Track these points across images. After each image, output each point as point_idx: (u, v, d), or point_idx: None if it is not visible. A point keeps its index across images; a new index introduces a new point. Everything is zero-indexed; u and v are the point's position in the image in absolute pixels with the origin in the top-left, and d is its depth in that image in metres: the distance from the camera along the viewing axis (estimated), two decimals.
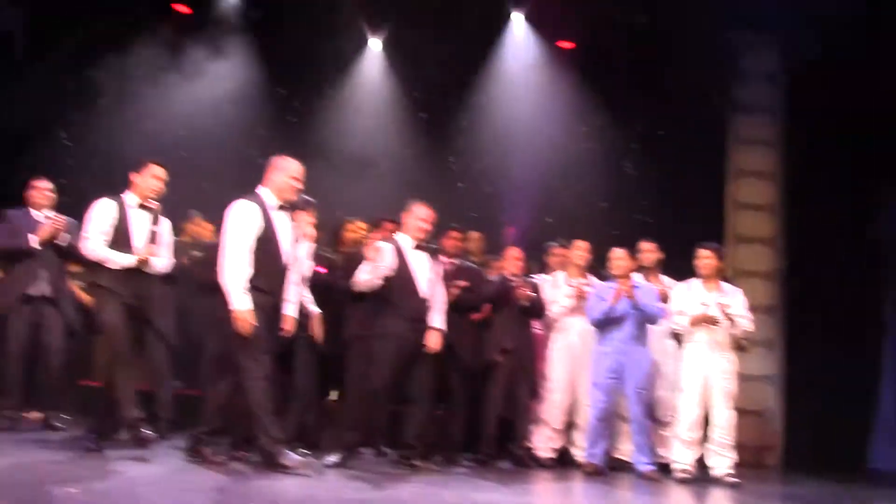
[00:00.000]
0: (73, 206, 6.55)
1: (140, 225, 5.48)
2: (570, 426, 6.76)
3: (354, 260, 6.60)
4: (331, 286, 6.66)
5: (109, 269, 5.32)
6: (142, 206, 5.51)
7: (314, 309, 5.92)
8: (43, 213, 6.45)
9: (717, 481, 6.22)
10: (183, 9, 9.19)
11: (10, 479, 4.11)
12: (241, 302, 4.90)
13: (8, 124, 8.12)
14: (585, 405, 6.64)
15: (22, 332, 6.29)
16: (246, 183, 8.46)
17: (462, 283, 6.45)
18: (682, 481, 6.17)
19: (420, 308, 5.82)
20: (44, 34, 8.49)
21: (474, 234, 8.00)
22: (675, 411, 6.49)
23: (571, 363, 6.71)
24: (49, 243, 6.34)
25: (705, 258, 6.52)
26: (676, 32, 8.49)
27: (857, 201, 7.88)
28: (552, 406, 6.66)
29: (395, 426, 6.66)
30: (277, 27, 9.08)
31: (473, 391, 6.62)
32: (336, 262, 6.89)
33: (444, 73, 9.12)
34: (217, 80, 9.09)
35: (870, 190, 7.95)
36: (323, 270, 6.65)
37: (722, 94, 8.77)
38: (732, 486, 6.10)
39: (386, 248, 5.82)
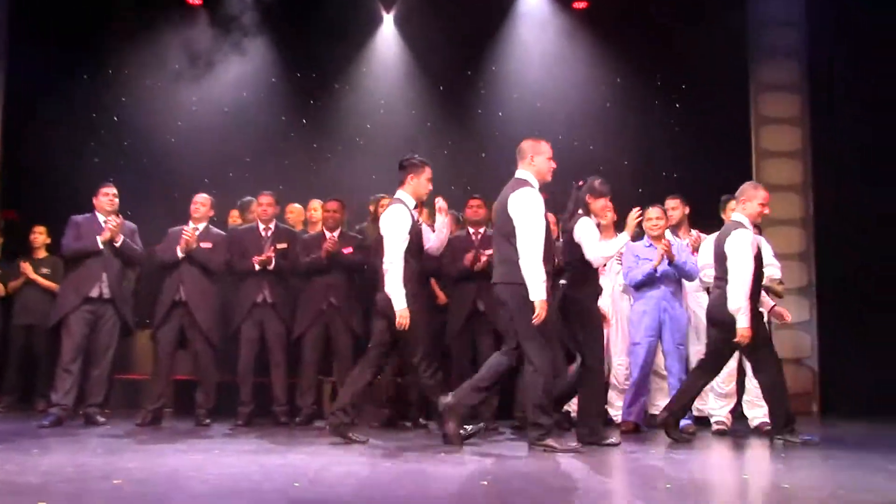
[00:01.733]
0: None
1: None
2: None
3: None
4: (364, 266, 6.79)
5: (413, 275, 5.48)
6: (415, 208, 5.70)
7: None
8: (106, 218, 6.63)
9: (754, 431, 6.25)
10: (195, 0, 9.25)
11: (57, 475, 4.26)
12: (542, 292, 5.07)
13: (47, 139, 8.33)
14: (618, 365, 6.69)
15: (79, 332, 6.50)
16: (274, 169, 8.75)
17: (489, 251, 6.51)
18: (719, 433, 6.21)
19: None
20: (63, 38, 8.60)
21: None
22: None
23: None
24: (109, 245, 6.56)
25: (733, 209, 6.47)
26: None
27: (886, 139, 7.75)
28: None
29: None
30: (291, 11, 9.13)
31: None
32: (366, 242, 7.01)
33: (459, 43, 9.12)
34: (235, 68, 9.18)
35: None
36: (348, 250, 6.77)
37: (742, 41, 8.67)
38: (769, 434, 6.11)
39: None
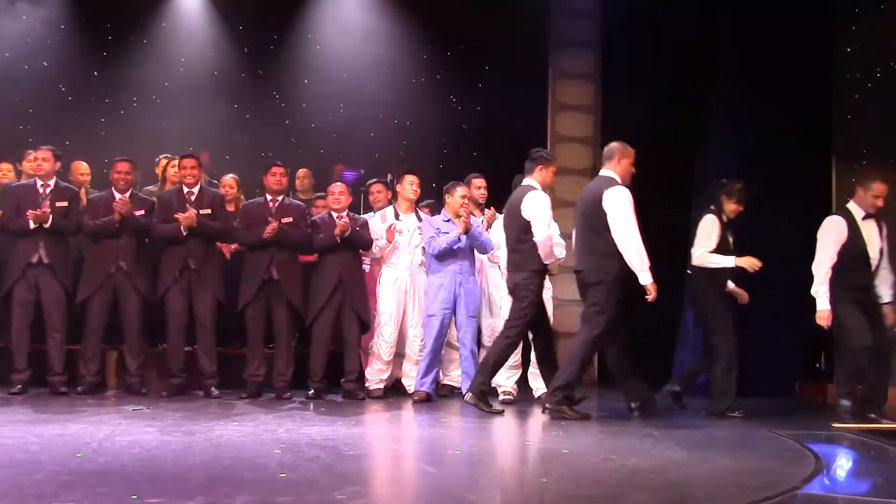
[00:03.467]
0: None
1: None
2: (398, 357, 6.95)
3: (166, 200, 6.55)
4: (150, 229, 6.57)
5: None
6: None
7: None
8: None
9: (537, 401, 6.59)
10: None
11: None
12: (649, 276, 5.62)
13: None
14: (413, 336, 6.84)
15: None
16: (61, 123, 8.19)
17: (286, 219, 6.49)
18: (505, 403, 6.51)
19: None
20: None
21: (302, 172, 8.00)
22: None
23: (399, 297, 6.85)
24: None
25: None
26: None
27: (674, 136, 8.31)
28: (382, 339, 6.80)
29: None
30: None
31: (301, 327, 6.73)
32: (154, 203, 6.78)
33: (266, 5, 8.91)
34: (19, 11, 8.51)
35: (685, 124, 8.40)
36: (140, 212, 6.52)
37: (543, 30, 9.01)
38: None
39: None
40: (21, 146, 7.54)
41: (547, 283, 6.77)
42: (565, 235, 7.01)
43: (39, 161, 6.46)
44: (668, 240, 7.14)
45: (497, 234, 6.75)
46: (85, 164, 7.51)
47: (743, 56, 8.00)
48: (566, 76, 9.08)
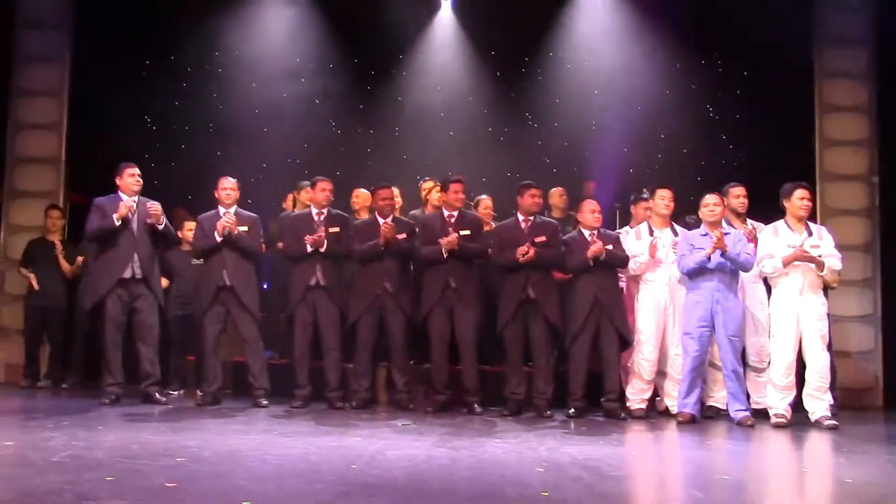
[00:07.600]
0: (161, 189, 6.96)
1: None
2: (660, 376, 6.75)
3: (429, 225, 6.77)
4: (413, 251, 6.84)
5: None
6: None
7: None
8: (133, 199, 6.74)
9: (815, 425, 6.13)
10: None
11: (118, 452, 4.37)
12: None
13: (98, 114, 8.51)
14: (675, 355, 6.62)
15: (118, 314, 6.66)
16: (328, 155, 8.81)
17: (540, 238, 6.52)
18: (778, 426, 6.11)
19: None
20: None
21: (556, 190, 8.02)
22: (769, 357, 6.41)
23: (658, 314, 6.67)
24: (150, 228, 6.72)
25: (805, 199, 6.34)
26: None
27: None
28: (642, 358, 6.65)
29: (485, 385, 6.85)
30: None
31: (561, 346, 6.72)
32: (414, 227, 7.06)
33: (517, 29, 9.08)
34: (293, 53, 9.24)
35: None
36: (402, 236, 6.81)
37: (806, 27, 8.47)
38: (830, 429, 5.99)
39: None
40: (295, 178, 8.17)
41: (822, 298, 6.33)
42: (841, 247, 6.50)
43: (327, 192, 6.98)
44: None
45: (763, 247, 6.39)
46: (366, 191, 7.92)
47: None
48: (835, 75, 8.46)
